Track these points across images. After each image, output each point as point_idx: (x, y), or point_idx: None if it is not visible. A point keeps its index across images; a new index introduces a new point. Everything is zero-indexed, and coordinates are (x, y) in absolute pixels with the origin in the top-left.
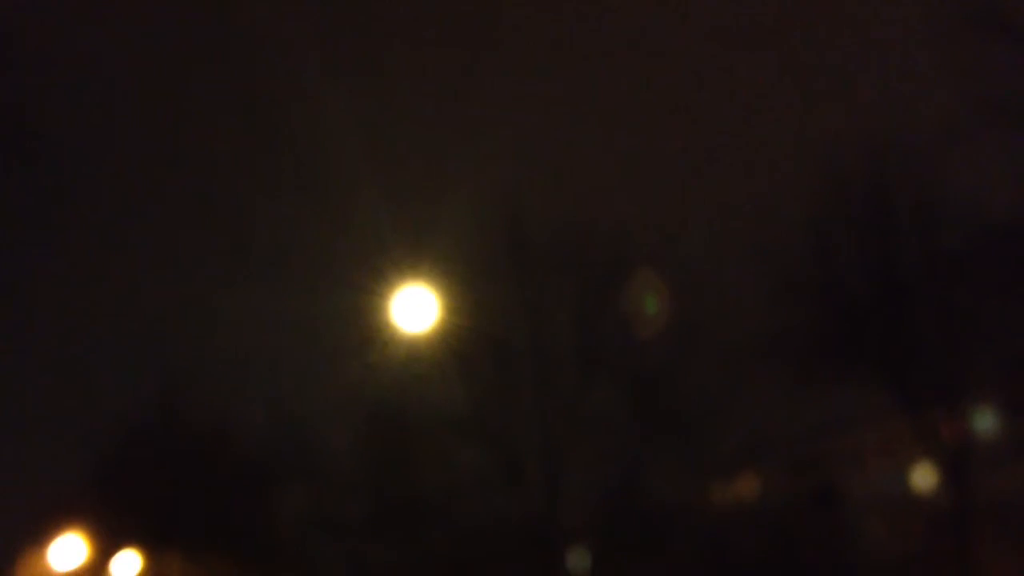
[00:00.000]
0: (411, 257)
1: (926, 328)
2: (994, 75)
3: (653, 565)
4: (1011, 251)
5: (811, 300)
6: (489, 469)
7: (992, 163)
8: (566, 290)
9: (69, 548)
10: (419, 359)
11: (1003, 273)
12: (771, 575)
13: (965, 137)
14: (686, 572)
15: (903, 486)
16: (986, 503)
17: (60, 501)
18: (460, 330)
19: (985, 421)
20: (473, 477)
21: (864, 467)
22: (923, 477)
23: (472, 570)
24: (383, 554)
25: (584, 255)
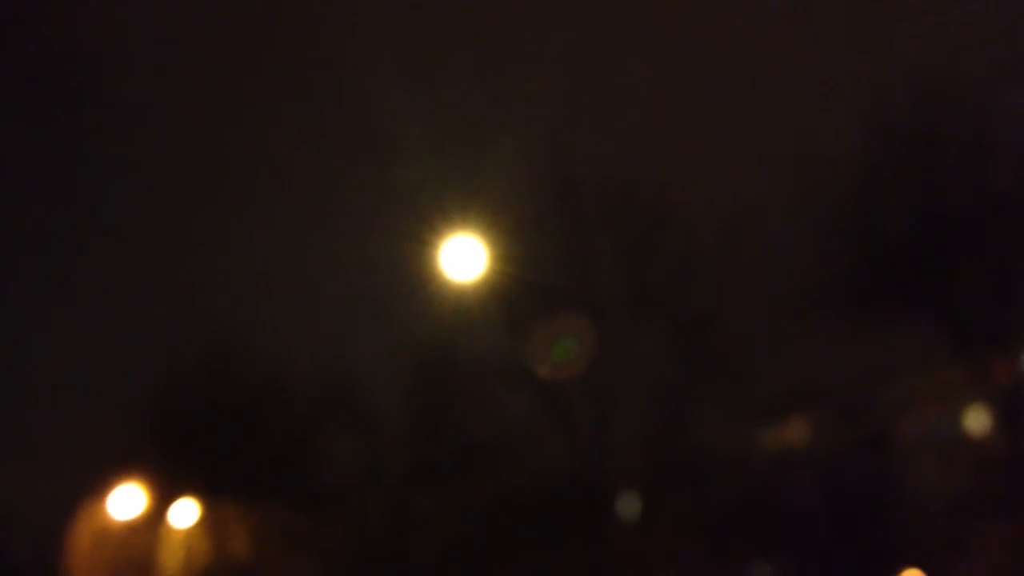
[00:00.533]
0: (459, 206)
1: (977, 269)
2: None
3: (701, 511)
4: None
5: (859, 243)
6: (537, 418)
7: None
8: (613, 238)
9: (127, 498)
10: (466, 308)
11: None
12: (820, 522)
13: (1017, 73)
14: (733, 517)
15: (955, 430)
16: None
17: (117, 452)
18: (507, 279)
19: None
20: (521, 426)
21: (915, 412)
22: (976, 420)
23: (520, 518)
24: (431, 502)
25: (631, 202)
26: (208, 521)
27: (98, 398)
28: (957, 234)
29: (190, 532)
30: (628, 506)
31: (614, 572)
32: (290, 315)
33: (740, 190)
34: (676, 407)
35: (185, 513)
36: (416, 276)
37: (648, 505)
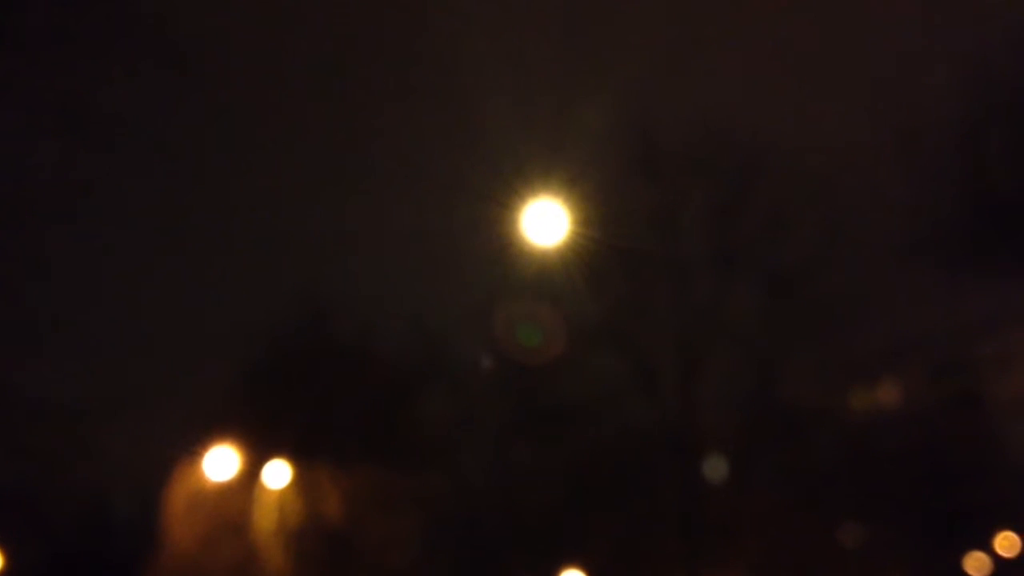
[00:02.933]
0: (544, 168)
1: None
2: None
3: (791, 469)
4: None
5: (959, 195)
6: (625, 378)
7: None
8: (700, 196)
9: (222, 459)
10: (551, 272)
11: None
12: (914, 482)
13: None
14: (826, 479)
15: None
16: None
17: (212, 414)
18: (592, 241)
19: None
20: (609, 387)
21: (1010, 370)
22: None
23: (610, 477)
24: (525, 457)
25: (718, 156)
26: (301, 481)
27: (195, 361)
28: None
29: (283, 492)
30: (717, 464)
31: (704, 528)
32: (381, 277)
33: (835, 138)
34: (766, 364)
35: (278, 474)
36: (500, 238)
37: (738, 463)
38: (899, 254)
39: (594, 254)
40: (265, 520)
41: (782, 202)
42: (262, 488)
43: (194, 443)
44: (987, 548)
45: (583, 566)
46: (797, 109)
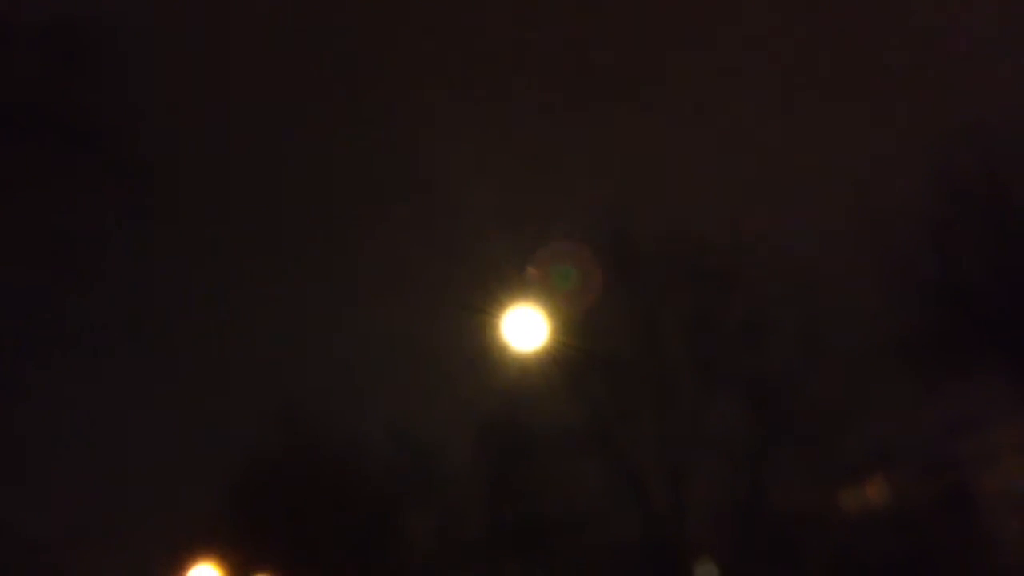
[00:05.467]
0: (521, 276)
1: None
2: None
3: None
4: None
5: (934, 298)
6: (611, 485)
7: None
8: (678, 301)
9: None
10: (532, 378)
11: None
12: None
13: None
14: None
15: None
16: None
17: (193, 531)
18: (572, 348)
19: None
20: (595, 494)
21: (998, 466)
22: None
23: None
24: (512, 572)
25: (694, 264)
26: None
27: (173, 479)
28: None
29: None
30: (706, 573)
31: None
32: (361, 389)
33: (809, 241)
34: (752, 471)
35: None
36: (480, 346)
37: (727, 572)
38: (877, 355)
39: (574, 361)
40: None
41: (759, 306)
42: None
43: (176, 562)
44: None
45: None
46: (770, 213)
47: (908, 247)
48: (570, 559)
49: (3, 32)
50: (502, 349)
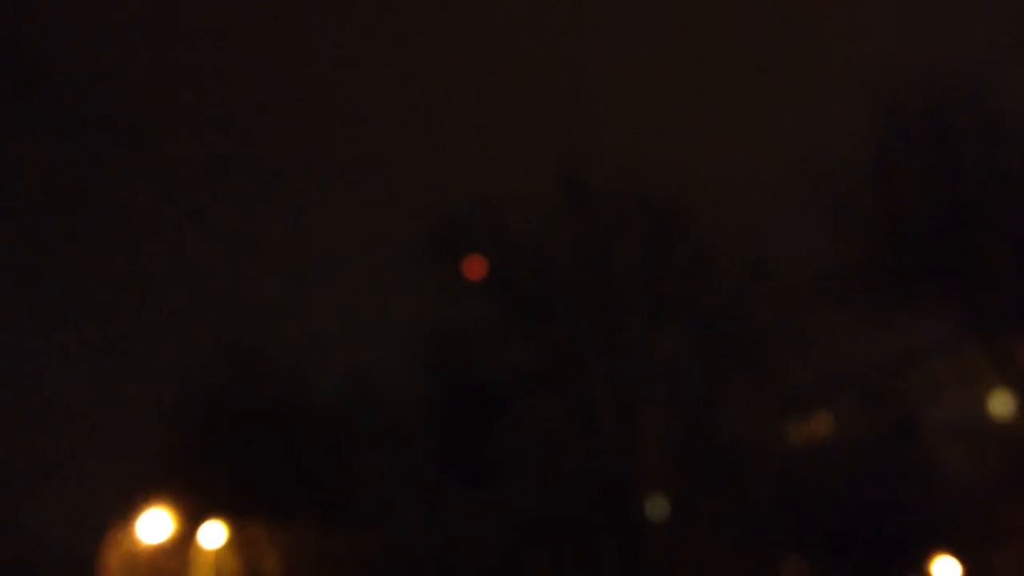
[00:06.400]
0: (475, 216)
1: (996, 252)
2: None
3: (731, 508)
4: None
5: (877, 231)
6: (562, 421)
7: None
8: (628, 237)
9: (155, 522)
10: (482, 315)
11: None
12: (851, 510)
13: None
14: (765, 513)
15: (981, 414)
16: None
17: (143, 476)
18: (524, 285)
19: None
20: (546, 430)
21: (940, 397)
22: (1001, 404)
23: (551, 522)
24: (462, 509)
25: (644, 201)
26: (237, 541)
27: (123, 422)
28: (976, 216)
29: (219, 553)
30: (657, 505)
31: (646, 570)
32: (312, 330)
33: (756, 183)
34: (701, 405)
35: (214, 535)
36: (435, 287)
37: (677, 504)
38: (823, 290)
39: (525, 297)
40: None
41: (707, 241)
42: (198, 549)
43: (127, 506)
44: (926, 574)
45: None
46: (719, 151)
47: (852, 184)
48: (521, 495)
49: None
50: (455, 289)
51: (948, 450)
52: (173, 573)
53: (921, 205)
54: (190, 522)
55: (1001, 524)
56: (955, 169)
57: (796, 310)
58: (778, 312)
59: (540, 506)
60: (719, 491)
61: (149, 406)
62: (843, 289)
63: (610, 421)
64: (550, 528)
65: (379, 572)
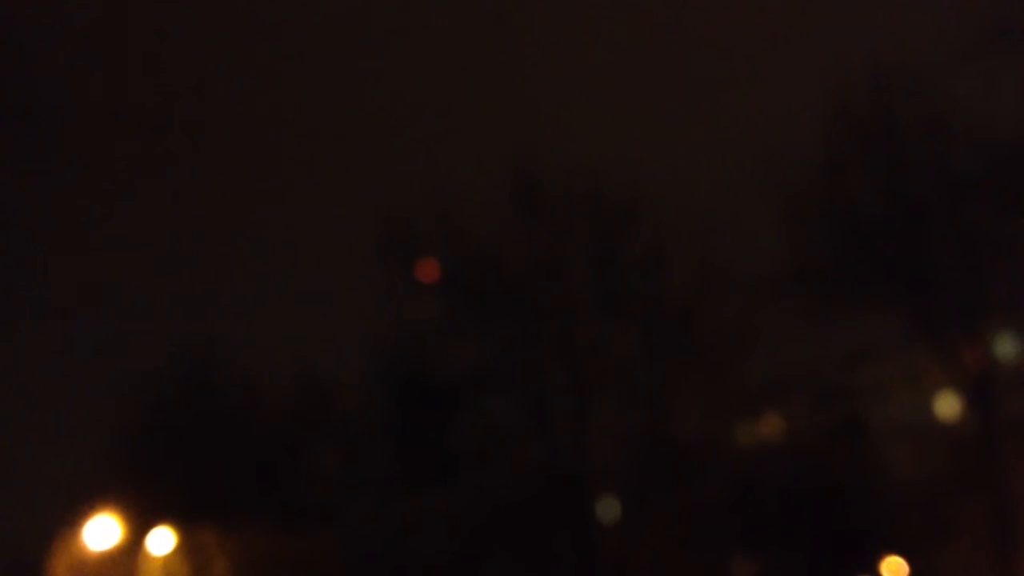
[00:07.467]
0: (427, 216)
1: (943, 252)
2: None
3: (683, 506)
4: None
5: (825, 228)
6: (515, 419)
7: (1001, 83)
8: (581, 236)
9: (102, 528)
10: (437, 315)
11: (1018, 193)
12: (799, 508)
13: (972, 58)
14: (715, 512)
15: (927, 414)
16: (1010, 427)
17: (90, 481)
18: (476, 284)
19: (1007, 345)
20: (499, 428)
21: (887, 397)
22: (947, 404)
23: (502, 521)
24: (415, 509)
25: (597, 203)
26: (187, 547)
27: (70, 427)
28: (924, 218)
29: (168, 559)
30: (610, 503)
31: (601, 568)
32: (261, 331)
33: (709, 182)
34: (653, 404)
35: (162, 541)
36: (387, 286)
37: (628, 503)
38: (774, 289)
39: (478, 298)
40: None
41: (659, 240)
42: (146, 556)
43: (73, 513)
44: (874, 573)
45: None
46: (670, 150)
47: (804, 182)
48: (475, 494)
49: None
50: (407, 288)
51: (895, 450)
52: None
53: (871, 204)
54: (138, 528)
55: (947, 524)
56: (905, 169)
57: (748, 308)
58: (730, 310)
59: (494, 505)
60: (671, 489)
61: (96, 409)
62: (794, 287)
63: (563, 419)
64: (504, 526)
65: (332, 573)
